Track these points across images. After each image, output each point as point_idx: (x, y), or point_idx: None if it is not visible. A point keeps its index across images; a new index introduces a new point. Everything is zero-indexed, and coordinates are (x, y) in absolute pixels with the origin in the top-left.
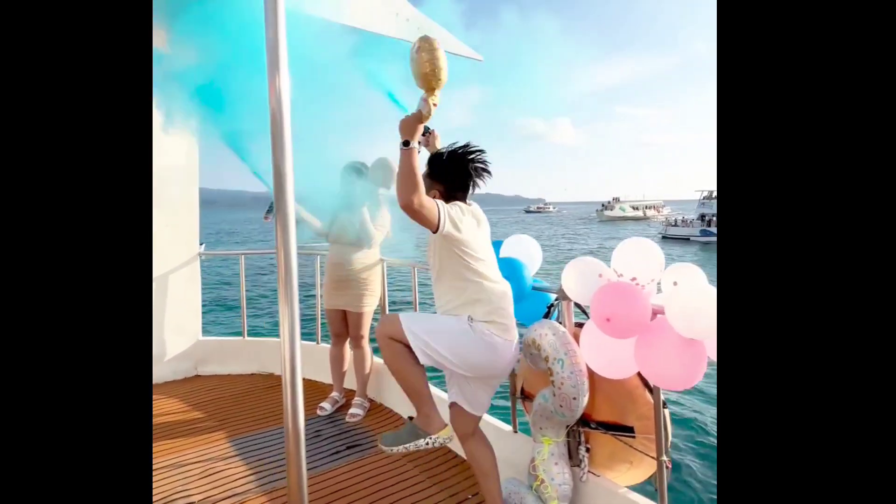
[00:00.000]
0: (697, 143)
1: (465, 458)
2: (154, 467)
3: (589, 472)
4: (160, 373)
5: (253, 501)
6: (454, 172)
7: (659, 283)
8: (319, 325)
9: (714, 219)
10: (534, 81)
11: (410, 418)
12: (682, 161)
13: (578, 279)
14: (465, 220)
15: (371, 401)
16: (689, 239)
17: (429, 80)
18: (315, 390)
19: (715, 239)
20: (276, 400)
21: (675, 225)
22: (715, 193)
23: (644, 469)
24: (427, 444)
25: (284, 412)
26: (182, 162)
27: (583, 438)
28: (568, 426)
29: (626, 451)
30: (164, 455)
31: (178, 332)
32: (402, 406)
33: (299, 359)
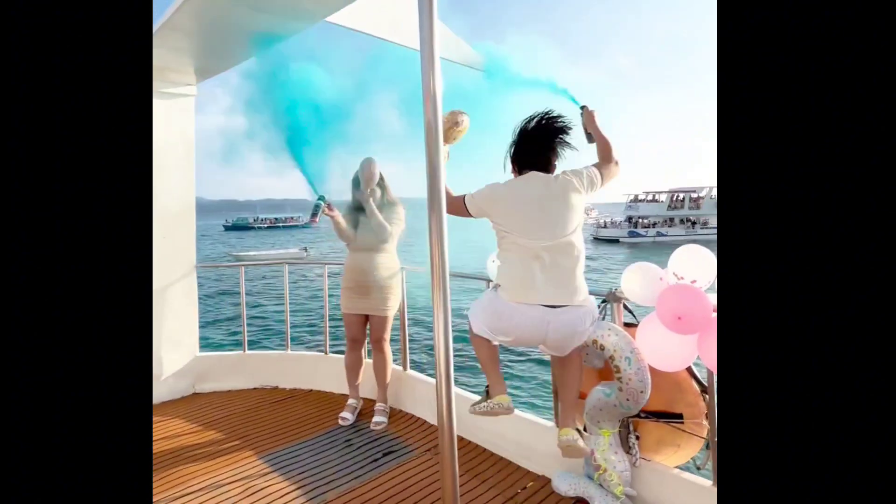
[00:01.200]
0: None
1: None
2: (192, 491)
3: (640, 457)
4: (157, 392)
5: None
6: (518, 149)
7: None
8: (327, 335)
9: (640, 220)
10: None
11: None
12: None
13: (641, 283)
14: (496, 201)
15: (390, 408)
16: (618, 240)
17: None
18: (328, 401)
19: (640, 240)
20: (291, 413)
21: (605, 227)
22: (640, 196)
23: (689, 451)
24: (487, 406)
25: (438, 411)
26: (179, 172)
27: (632, 427)
28: (626, 417)
29: (673, 436)
30: (197, 477)
31: (175, 348)
32: (421, 409)
33: (451, 360)
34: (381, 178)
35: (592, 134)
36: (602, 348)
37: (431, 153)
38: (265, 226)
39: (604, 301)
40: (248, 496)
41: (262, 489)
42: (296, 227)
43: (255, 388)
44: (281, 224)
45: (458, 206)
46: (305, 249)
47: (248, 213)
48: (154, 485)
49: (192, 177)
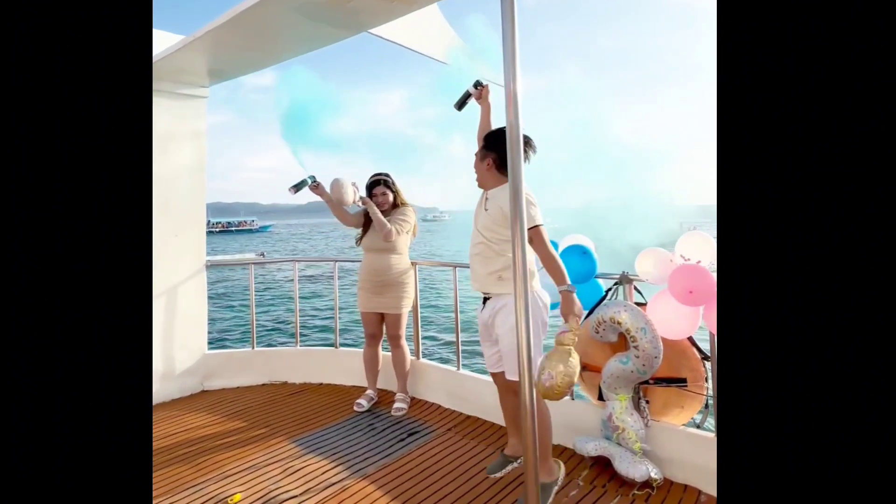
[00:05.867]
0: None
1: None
2: (231, 473)
3: (651, 418)
4: (167, 389)
5: (354, 486)
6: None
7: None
8: (338, 331)
9: None
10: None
11: (502, 450)
12: None
13: (654, 264)
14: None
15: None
16: None
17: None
18: (341, 393)
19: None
20: (307, 405)
21: None
22: None
23: (691, 411)
24: (559, 486)
25: (521, 386)
26: (190, 171)
27: (641, 393)
28: (639, 383)
29: (678, 398)
30: (232, 462)
31: (185, 346)
32: (434, 394)
33: (534, 367)
34: (392, 183)
35: (482, 109)
36: (619, 323)
37: (513, 155)
38: (217, 230)
39: (616, 283)
40: (288, 475)
41: (299, 469)
42: (249, 231)
43: (263, 385)
44: (234, 228)
45: (545, 235)
46: (263, 254)
47: None
48: (189, 471)
49: (204, 176)
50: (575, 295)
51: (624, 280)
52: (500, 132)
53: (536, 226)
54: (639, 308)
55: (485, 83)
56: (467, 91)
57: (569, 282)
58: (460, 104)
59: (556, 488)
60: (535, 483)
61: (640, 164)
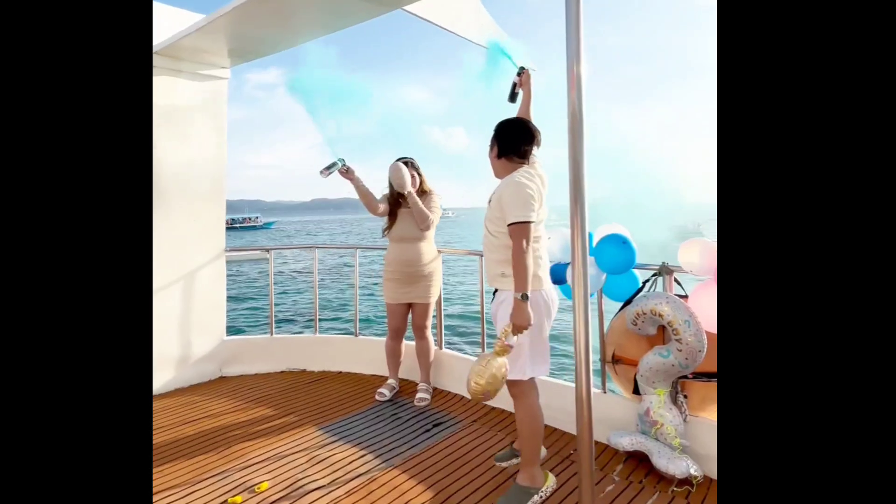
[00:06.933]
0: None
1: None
2: (257, 461)
3: (689, 413)
4: (186, 375)
5: (382, 477)
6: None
7: None
8: (357, 319)
9: None
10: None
11: (512, 442)
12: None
13: (699, 255)
14: (536, 200)
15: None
16: None
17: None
18: (361, 382)
19: None
20: (328, 393)
21: None
22: None
23: None
24: (541, 498)
25: (577, 379)
26: (210, 155)
27: (679, 388)
28: (677, 378)
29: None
30: (257, 450)
31: (203, 332)
32: (458, 385)
33: (591, 364)
34: (417, 167)
35: (523, 95)
36: (660, 315)
37: (575, 141)
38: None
39: (655, 274)
40: (314, 464)
41: (326, 458)
42: (254, 227)
43: (282, 372)
44: (238, 225)
45: (525, 235)
46: (267, 251)
47: None
48: (214, 458)
49: (224, 160)
50: (527, 306)
51: (664, 271)
52: (507, 120)
53: (521, 222)
54: (681, 300)
55: (526, 68)
56: (514, 81)
57: (527, 290)
58: (512, 95)
59: (536, 498)
60: (589, 478)
61: (647, 161)
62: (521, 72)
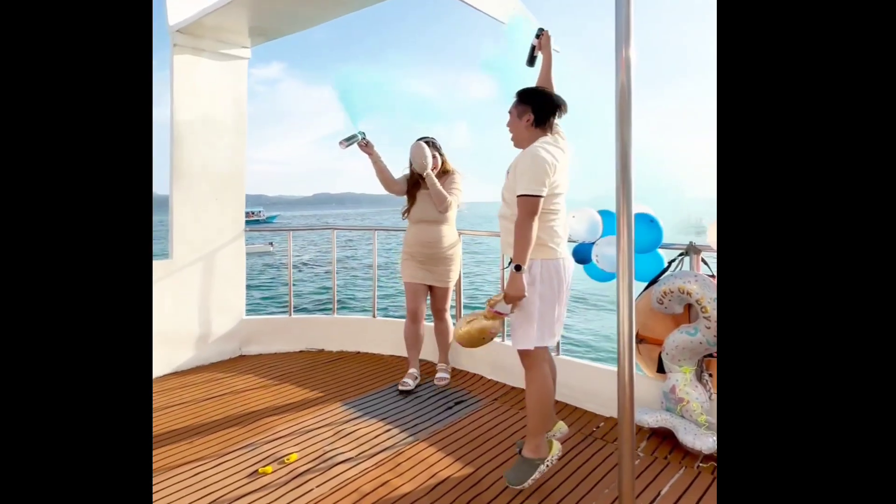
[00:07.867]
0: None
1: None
2: (282, 435)
3: (713, 391)
4: (205, 353)
5: (408, 451)
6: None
7: None
8: (375, 300)
9: None
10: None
11: (519, 452)
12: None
13: None
14: (556, 170)
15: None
16: None
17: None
18: (380, 362)
19: None
20: (347, 372)
21: None
22: None
23: None
24: (547, 467)
25: (620, 361)
26: (230, 134)
27: (704, 366)
28: (704, 356)
29: None
30: (282, 424)
31: (223, 311)
32: (477, 366)
33: (633, 346)
34: (438, 147)
35: (543, 58)
36: (688, 294)
37: (623, 121)
38: None
39: (682, 254)
40: (340, 438)
41: (352, 432)
42: (257, 221)
43: (301, 351)
44: None
45: (531, 208)
46: (271, 244)
47: None
48: (240, 432)
49: (245, 140)
50: (521, 277)
51: (691, 250)
52: (536, 88)
53: (529, 195)
54: (710, 278)
55: (545, 30)
56: (532, 44)
57: (523, 262)
58: (531, 59)
59: (542, 467)
60: (630, 459)
61: (647, 156)
62: (541, 33)
